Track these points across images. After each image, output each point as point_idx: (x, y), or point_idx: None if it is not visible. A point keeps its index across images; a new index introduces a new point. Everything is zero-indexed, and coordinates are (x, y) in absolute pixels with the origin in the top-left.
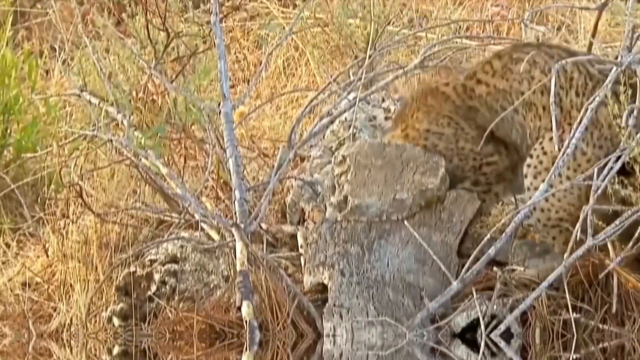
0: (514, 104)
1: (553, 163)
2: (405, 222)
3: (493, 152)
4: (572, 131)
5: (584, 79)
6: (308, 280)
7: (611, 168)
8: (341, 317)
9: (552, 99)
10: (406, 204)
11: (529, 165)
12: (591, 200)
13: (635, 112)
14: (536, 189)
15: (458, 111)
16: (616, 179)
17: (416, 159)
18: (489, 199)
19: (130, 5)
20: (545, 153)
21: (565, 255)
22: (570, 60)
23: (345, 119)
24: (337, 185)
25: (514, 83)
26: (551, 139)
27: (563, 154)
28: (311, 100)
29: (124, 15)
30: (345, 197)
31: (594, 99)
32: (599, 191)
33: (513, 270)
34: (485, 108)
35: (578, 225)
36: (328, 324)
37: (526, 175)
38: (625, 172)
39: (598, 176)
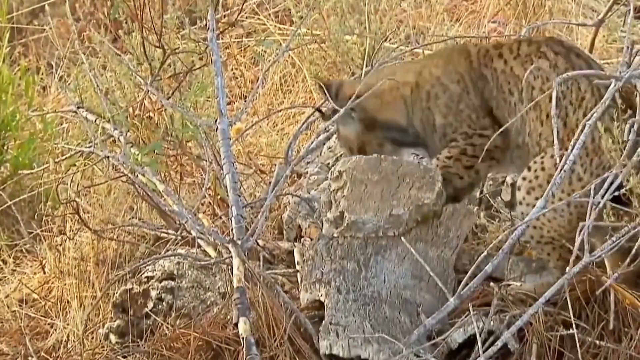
0: (522, 93)
1: (548, 181)
2: (402, 238)
3: (488, 126)
4: (570, 148)
5: (594, 102)
6: (305, 297)
7: (610, 184)
8: (337, 335)
9: (552, 111)
10: (402, 220)
11: (524, 178)
12: (590, 217)
13: (635, 127)
14: (528, 204)
15: (471, 73)
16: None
17: (412, 174)
18: (468, 176)
19: (126, 22)
20: (543, 169)
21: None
22: (572, 74)
23: None
24: (333, 201)
25: (529, 75)
26: (552, 155)
27: (561, 171)
28: (308, 117)
29: (120, 32)
30: (342, 213)
31: (591, 115)
32: (597, 209)
33: (509, 285)
34: (494, 84)
35: (577, 243)
36: (324, 342)
37: (519, 188)
38: (621, 202)
39: (595, 194)
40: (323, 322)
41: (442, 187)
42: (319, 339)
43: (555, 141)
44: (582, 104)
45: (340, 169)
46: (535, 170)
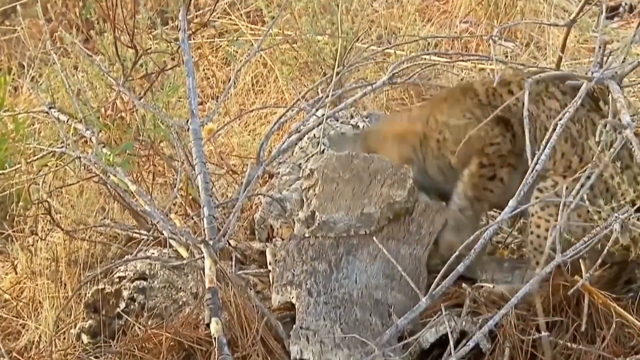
0: (537, 129)
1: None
2: (374, 237)
3: (498, 134)
4: (542, 147)
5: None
6: (276, 299)
7: (582, 185)
8: (308, 340)
9: (525, 112)
10: (374, 218)
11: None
12: (563, 217)
13: (607, 127)
14: (540, 217)
15: (481, 108)
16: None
17: (384, 171)
18: (496, 186)
19: (98, 23)
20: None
21: (535, 272)
22: (543, 75)
23: (314, 135)
24: (305, 199)
25: (541, 114)
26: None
27: (532, 170)
28: (280, 117)
29: (92, 32)
30: (313, 213)
31: (564, 114)
32: (572, 206)
33: (482, 287)
34: (510, 114)
35: (548, 242)
36: (295, 347)
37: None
38: None
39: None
40: (294, 326)
41: (471, 199)
42: (289, 343)
43: (528, 143)
44: (585, 124)
45: (312, 167)
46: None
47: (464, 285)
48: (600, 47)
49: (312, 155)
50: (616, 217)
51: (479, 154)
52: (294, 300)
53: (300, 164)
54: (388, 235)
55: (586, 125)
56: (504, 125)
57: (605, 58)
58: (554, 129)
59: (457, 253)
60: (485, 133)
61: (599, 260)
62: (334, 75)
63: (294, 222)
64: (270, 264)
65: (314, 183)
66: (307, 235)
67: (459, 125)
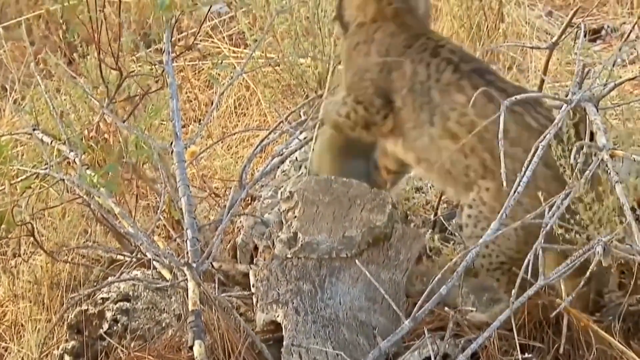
0: (433, 117)
1: (492, 212)
2: (356, 260)
3: (377, 106)
4: (523, 170)
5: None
6: (261, 318)
7: (559, 207)
8: (300, 356)
9: (500, 135)
10: (355, 241)
11: (469, 216)
12: (540, 238)
13: (585, 149)
14: (477, 236)
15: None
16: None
17: (363, 196)
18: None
19: (81, 46)
20: (484, 203)
21: (514, 295)
22: (520, 97)
23: (296, 158)
24: (284, 221)
25: (445, 105)
26: (488, 189)
27: (514, 193)
28: (262, 140)
29: (75, 55)
30: (295, 234)
31: (544, 137)
32: (547, 228)
33: (464, 310)
34: (407, 85)
35: (527, 260)
36: None
37: (467, 225)
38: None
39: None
40: (284, 343)
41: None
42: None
43: (503, 166)
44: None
45: (291, 189)
46: (478, 206)
47: (446, 308)
48: (579, 70)
49: (291, 178)
50: (599, 240)
51: (355, 101)
52: (279, 319)
53: (282, 187)
54: (368, 259)
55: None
56: (386, 102)
57: (589, 80)
58: (535, 152)
59: (438, 276)
60: (372, 93)
61: (580, 284)
62: (317, 97)
63: (274, 243)
64: (253, 285)
65: (294, 205)
66: (289, 256)
67: (371, 60)
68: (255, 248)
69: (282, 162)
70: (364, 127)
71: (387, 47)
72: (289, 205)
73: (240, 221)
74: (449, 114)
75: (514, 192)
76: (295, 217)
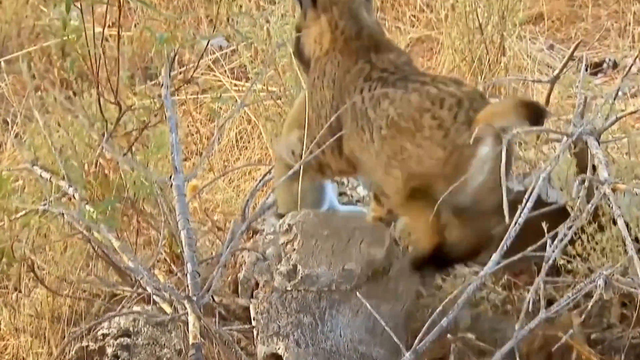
0: (372, 132)
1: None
2: (357, 292)
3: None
4: (524, 201)
5: None
6: (262, 351)
7: (562, 239)
8: None
9: (502, 169)
10: (355, 274)
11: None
12: (542, 272)
13: (586, 183)
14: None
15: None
16: None
17: (362, 229)
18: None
19: (76, 83)
20: None
21: (519, 324)
22: (526, 129)
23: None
24: (283, 254)
25: (378, 118)
26: None
27: (515, 224)
28: (264, 175)
29: (73, 90)
30: (295, 267)
31: (545, 169)
32: (550, 261)
33: (466, 338)
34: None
35: (530, 294)
36: None
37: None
38: None
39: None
40: None
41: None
42: None
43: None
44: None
45: (289, 222)
46: None
47: (449, 336)
48: (580, 103)
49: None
50: (600, 273)
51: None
52: (281, 351)
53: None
54: (368, 292)
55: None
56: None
57: (590, 114)
58: (536, 182)
59: (440, 308)
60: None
61: (581, 317)
62: None
63: (272, 276)
64: (254, 319)
65: (293, 237)
66: (289, 288)
67: (325, 94)
68: (257, 284)
69: None
70: (318, 169)
71: (334, 78)
72: (288, 238)
73: (242, 256)
74: (381, 123)
75: (515, 223)
76: (295, 249)
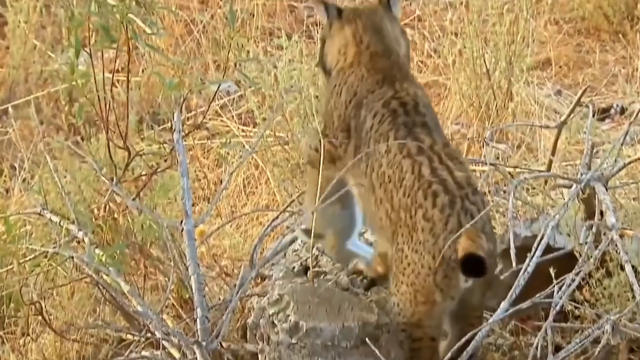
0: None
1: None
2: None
3: (343, 139)
4: (533, 250)
5: (413, 180)
6: None
7: (569, 285)
8: None
9: (509, 215)
10: (354, 333)
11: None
12: (550, 317)
13: (594, 228)
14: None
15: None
16: None
17: (350, 300)
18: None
19: (84, 128)
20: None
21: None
22: (532, 175)
23: None
24: (276, 322)
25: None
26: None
27: (524, 272)
28: (272, 221)
29: (80, 136)
30: (297, 323)
31: (554, 217)
32: (557, 307)
33: None
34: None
35: (537, 340)
36: None
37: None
38: None
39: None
40: None
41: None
42: None
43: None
44: (402, 183)
45: (280, 292)
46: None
47: None
48: (588, 149)
49: (306, 260)
50: (607, 318)
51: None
52: None
53: (293, 267)
54: (365, 353)
55: (394, 170)
56: (347, 133)
57: (598, 160)
58: (545, 230)
59: (447, 357)
60: (336, 129)
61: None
62: None
63: (269, 339)
64: None
65: (286, 305)
66: (294, 341)
67: (341, 99)
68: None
69: (293, 241)
70: (330, 160)
71: (355, 89)
72: (280, 307)
73: (251, 301)
74: (374, 166)
75: (524, 271)
76: (291, 313)
